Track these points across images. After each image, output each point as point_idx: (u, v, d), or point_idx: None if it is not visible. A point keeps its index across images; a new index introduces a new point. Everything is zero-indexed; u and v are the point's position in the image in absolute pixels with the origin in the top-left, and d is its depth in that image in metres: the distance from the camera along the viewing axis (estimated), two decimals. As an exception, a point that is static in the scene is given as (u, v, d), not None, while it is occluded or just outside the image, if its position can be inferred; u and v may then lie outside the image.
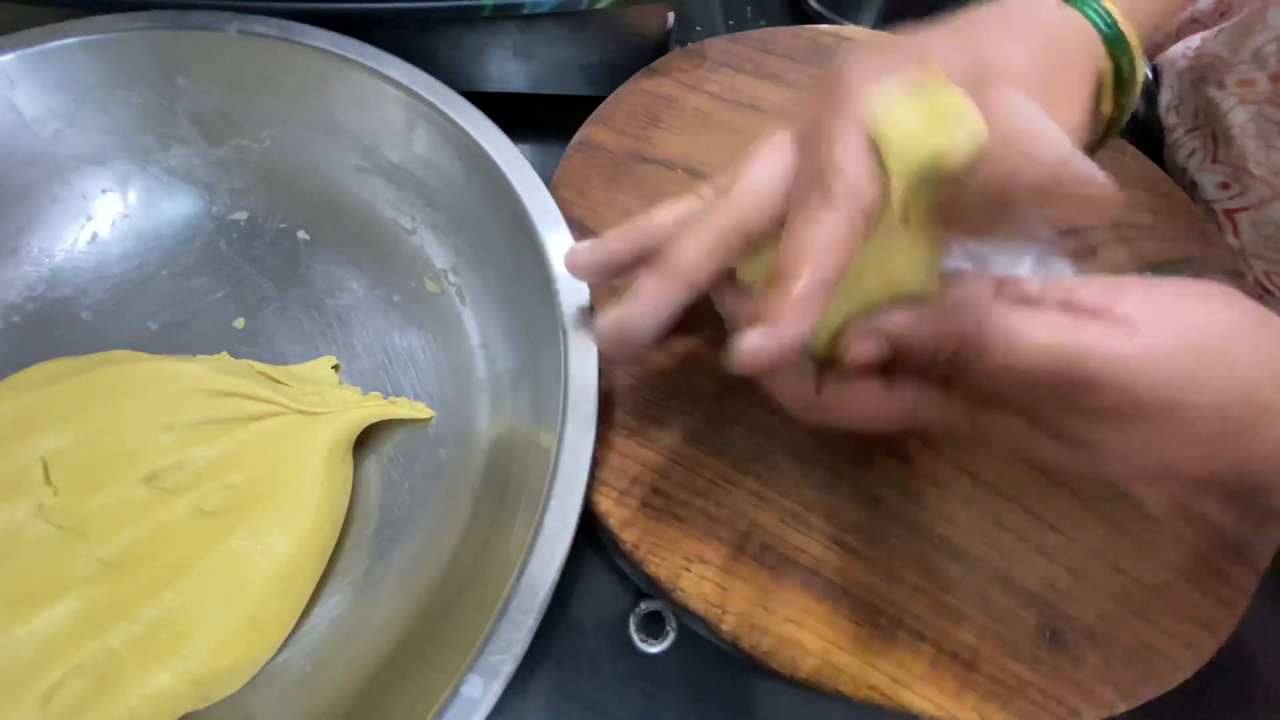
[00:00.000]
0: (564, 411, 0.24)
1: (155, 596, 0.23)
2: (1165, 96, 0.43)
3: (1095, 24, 0.25)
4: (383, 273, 0.32)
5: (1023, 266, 0.30)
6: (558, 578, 0.22)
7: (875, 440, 0.29)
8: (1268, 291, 0.37)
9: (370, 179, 0.33)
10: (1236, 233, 0.38)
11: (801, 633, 0.25)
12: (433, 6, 0.32)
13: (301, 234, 0.33)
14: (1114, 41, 0.25)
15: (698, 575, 0.25)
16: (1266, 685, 0.29)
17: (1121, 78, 0.26)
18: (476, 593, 0.23)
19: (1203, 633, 0.26)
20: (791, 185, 0.22)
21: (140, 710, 0.22)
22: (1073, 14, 0.25)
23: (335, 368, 0.30)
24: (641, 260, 0.25)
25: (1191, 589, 0.26)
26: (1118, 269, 0.34)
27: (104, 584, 0.23)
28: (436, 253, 0.32)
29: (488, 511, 0.27)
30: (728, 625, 0.25)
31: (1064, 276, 0.23)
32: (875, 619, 0.25)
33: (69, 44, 0.30)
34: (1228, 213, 0.38)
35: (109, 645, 0.23)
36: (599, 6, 0.32)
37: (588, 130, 0.35)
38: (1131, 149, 0.38)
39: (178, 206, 0.33)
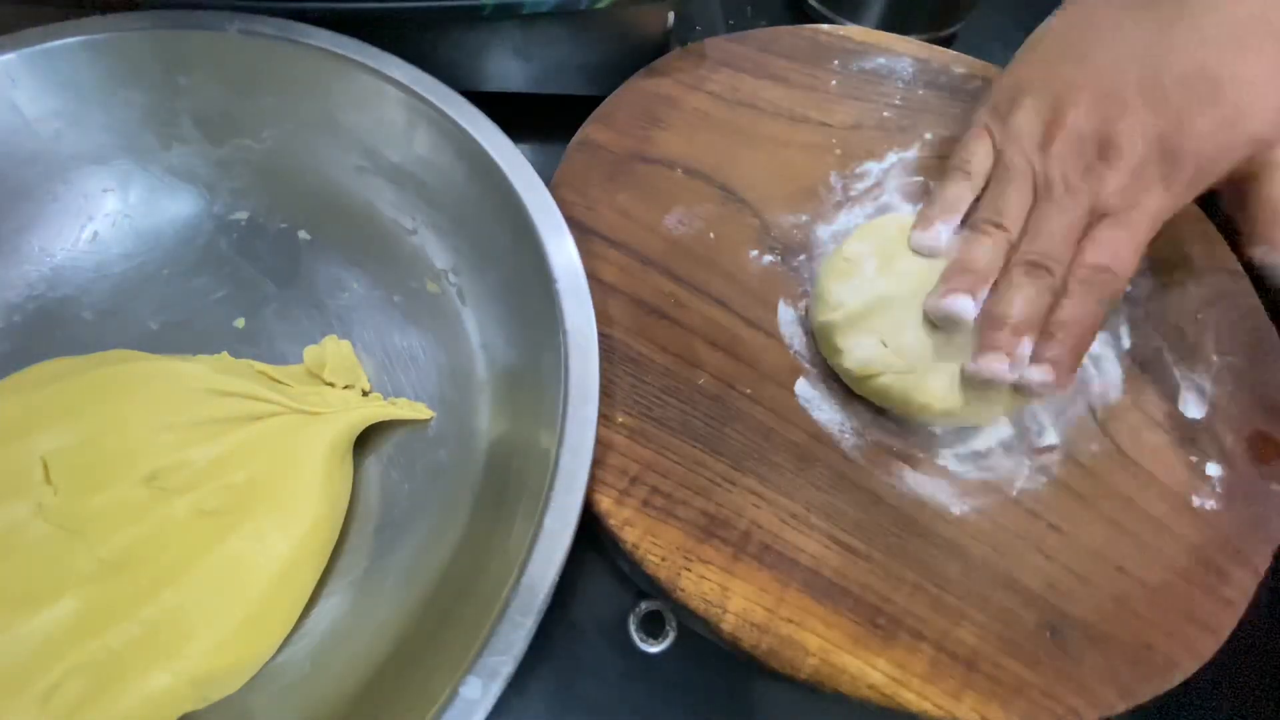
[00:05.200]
0: (564, 411, 0.24)
1: (155, 596, 0.23)
2: None
3: None
4: (383, 273, 0.32)
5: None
6: (557, 578, 0.22)
7: (876, 440, 0.29)
8: None
9: (371, 179, 0.33)
10: None
11: (801, 632, 0.25)
12: (433, 6, 0.32)
13: (302, 234, 0.33)
14: None
15: (698, 575, 0.25)
16: (1266, 685, 0.29)
17: None
18: (476, 593, 0.23)
19: (1203, 632, 0.26)
20: None
21: (140, 710, 0.22)
22: None
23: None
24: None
25: (1191, 589, 0.26)
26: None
27: (104, 584, 0.23)
28: (437, 253, 0.32)
29: (488, 511, 0.27)
30: (728, 625, 0.25)
31: None
32: (875, 619, 0.25)
33: (70, 43, 0.30)
34: None
35: (108, 645, 0.22)
36: (599, 6, 0.32)
37: (588, 130, 0.35)
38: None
39: (178, 206, 0.33)
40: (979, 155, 0.29)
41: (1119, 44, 0.27)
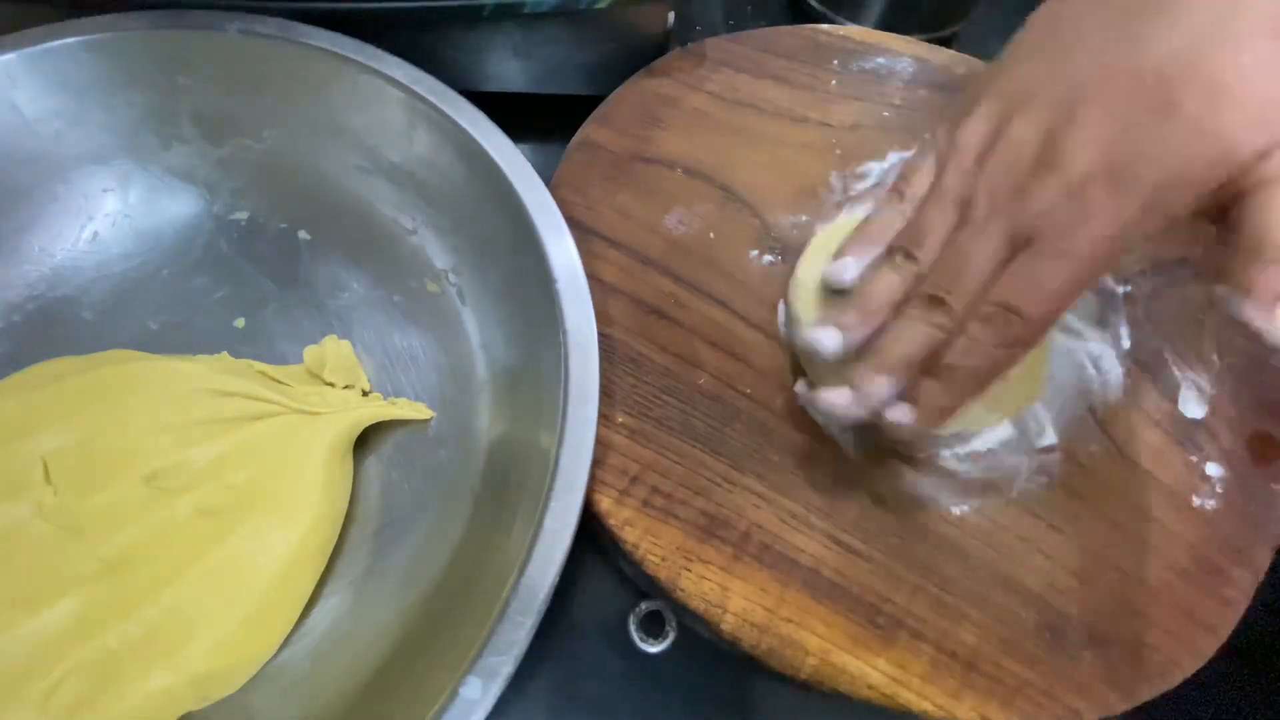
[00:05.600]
0: (564, 411, 0.24)
1: (155, 596, 0.23)
2: None
3: None
4: (383, 273, 0.32)
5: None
6: (557, 578, 0.22)
7: (876, 440, 0.29)
8: None
9: (371, 179, 0.33)
10: None
11: (801, 632, 0.25)
12: (433, 6, 0.32)
13: (302, 234, 0.33)
14: None
15: (698, 575, 0.25)
16: (1267, 685, 0.29)
17: None
18: (476, 593, 0.23)
19: (1203, 632, 0.26)
20: None
21: (140, 710, 0.22)
22: None
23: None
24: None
25: (1191, 589, 0.26)
26: (1116, 268, 0.34)
27: (104, 584, 0.23)
28: (437, 253, 0.32)
29: (488, 511, 0.27)
30: (728, 625, 0.25)
31: None
32: (875, 618, 0.25)
33: (70, 43, 0.30)
34: None
35: (108, 645, 0.23)
36: (599, 6, 0.32)
37: (588, 130, 0.35)
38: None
39: (179, 206, 0.33)
40: (920, 175, 0.26)
41: (1079, 49, 0.22)
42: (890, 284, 0.25)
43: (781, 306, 0.32)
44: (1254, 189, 0.20)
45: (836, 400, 0.24)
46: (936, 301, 0.23)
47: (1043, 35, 0.24)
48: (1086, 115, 0.21)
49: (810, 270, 0.30)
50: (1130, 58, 0.21)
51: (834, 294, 0.28)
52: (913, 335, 0.24)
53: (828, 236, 0.31)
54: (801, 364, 0.30)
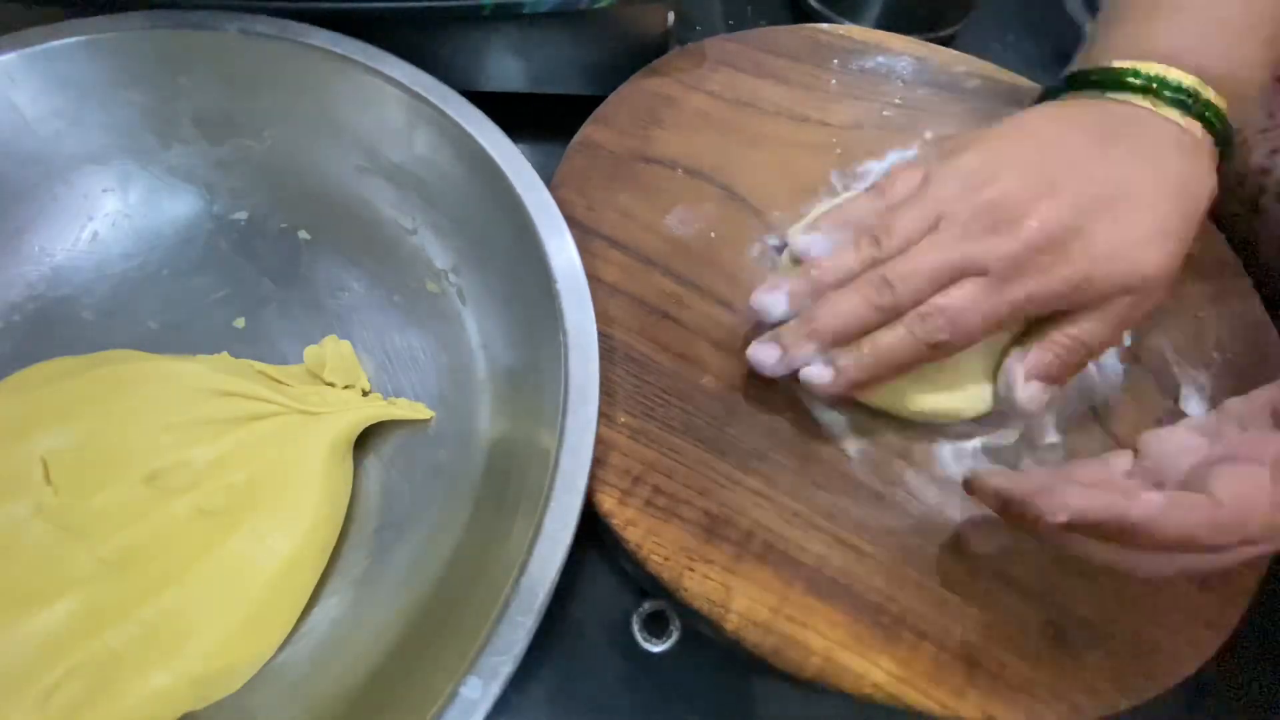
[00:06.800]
0: (564, 411, 0.24)
1: (155, 596, 0.23)
2: None
3: (1212, 128, 0.28)
4: (383, 273, 0.32)
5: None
6: (557, 579, 0.22)
7: (877, 439, 0.29)
8: None
9: (371, 179, 0.33)
10: None
11: (805, 632, 0.25)
12: (433, 6, 0.32)
13: (302, 234, 0.33)
14: (1226, 142, 0.29)
15: (701, 575, 0.25)
16: (1267, 684, 0.29)
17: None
18: (476, 593, 0.23)
19: (1205, 630, 0.26)
20: None
21: (139, 710, 0.22)
22: (1193, 129, 0.27)
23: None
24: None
25: (1194, 587, 0.26)
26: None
27: (103, 584, 0.23)
28: (437, 253, 0.32)
29: (488, 512, 0.27)
30: (731, 625, 0.25)
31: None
32: (878, 617, 0.25)
33: (70, 43, 0.30)
34: None
35: (108, 645, 0.22)
36: (599, 6, 0.32)
37: (588, 130, 0.35)
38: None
39: (178, 206, 0.33)
40: (903, 183, 0.29)
41: (1069, 147, 0.27)
42: (846, 262, 0.27)
43: None
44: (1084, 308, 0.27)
45: (764, 357, 0.27)
46: (887, 286, 0.26)
47: (1037, 127, 0.29)
48: (1059, 197, 0.26)
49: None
50: (1106, 173, 0.27)
51: (798, 265, 0.30)
52: (851, 308, 0.26)
53: (815, 217, 0.32)
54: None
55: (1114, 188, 0.26)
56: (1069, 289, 0.26)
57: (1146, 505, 0.20)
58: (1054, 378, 0.27)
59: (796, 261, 0.30)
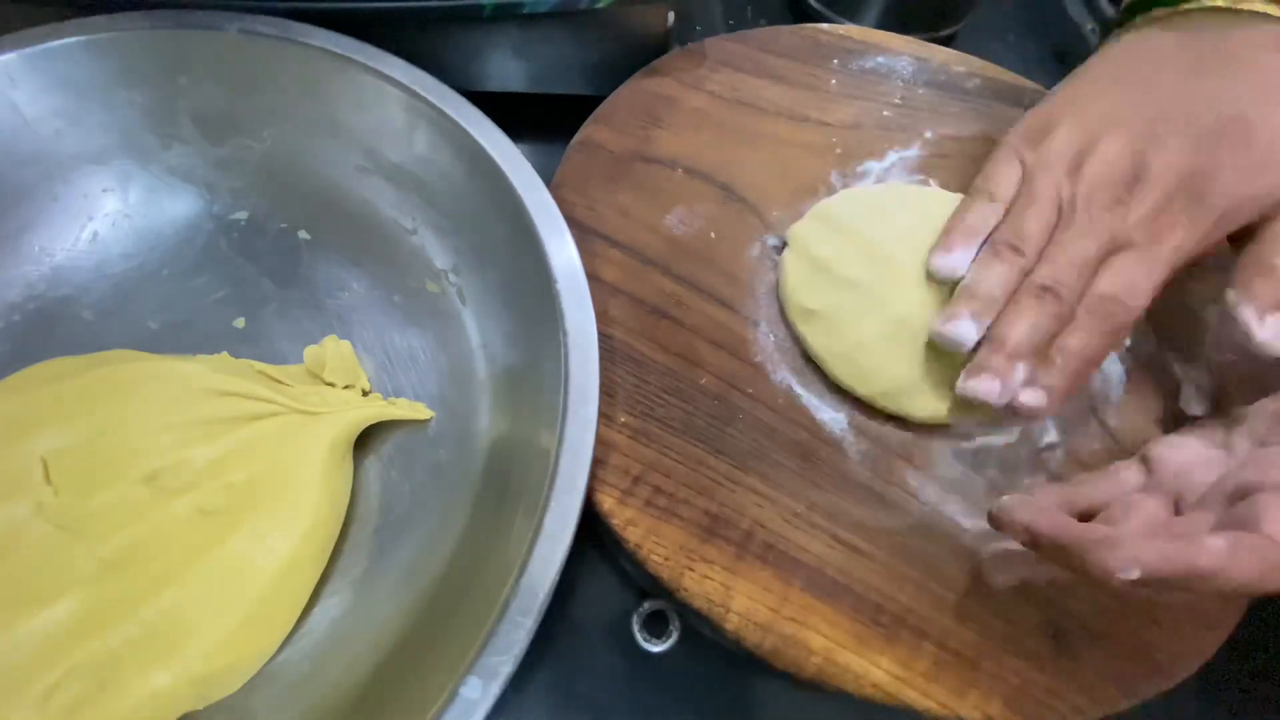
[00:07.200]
0: (564, 411, 0.24)
1: (155, 596, 0.23)
2: None
3: None
4: (383, 273, 0.32)
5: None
6: (557, 579, 0.22)
7: (877, 438, 0.29)
8: None
9: (371, 179, 0.33)
10: None
11: (805, 632, 0.25)
12: (433, 6, 0.32)
13: (302, 234, 0.33)
14: None
15: (701, 575, 0.25)
16: (1267, 684, 0.29)
17: None
18: (476, 593, 0.23)
19: (1205, 630, 0.26)
20: None
21: (139, 710, 0.22)
22: None
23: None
24: None
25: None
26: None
27: (104, 584, 0.23)
28: (437, 253, 0.32)
29: (488, 511, 0.27)
30: (731, 625, 0.25)
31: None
32: (878, 617, 0.25)
33: (70, 43, 0.30)
34: None
35: (108, 645, 0.22)
36: (599, 6, 0.32)
37: (588, 130, 0.35)
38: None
39: (178, 206, 0.33)
40: (1006, 179, 0.29)
41: (1159, 85, 0.27)
42: (1002, 275, 0.27)
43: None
44: (1267, 228, 0.26)
45: (989, 391, 0.26)
46: (1048, 292, 0.26)
47: (1118, 69, 0.28)
48: (1171, 143, 0.25)
49: (803, 237, 0.32)
50: (1210, 108, 0.26)
51: (820, 272, 0.31)
52: (1035, 322, 0.26)
53: (818, 213, 0.33)
54: (780, 296, 0.31)
55: (1221, 111, 0.25)
56: (1216, 227, 0.25)
57: (1214, 554, 0.19)
58: None
59: (808, 261, 0.30)
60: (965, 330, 0.26)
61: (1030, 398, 0.26)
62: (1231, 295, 0.26)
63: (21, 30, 0.29)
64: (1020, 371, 0.26)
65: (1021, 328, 0.26)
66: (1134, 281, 0.26)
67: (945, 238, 0.29)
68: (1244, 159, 0.25)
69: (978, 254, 0.28)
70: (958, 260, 0.28)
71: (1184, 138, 0.25)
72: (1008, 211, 0.29)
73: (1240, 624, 0.26)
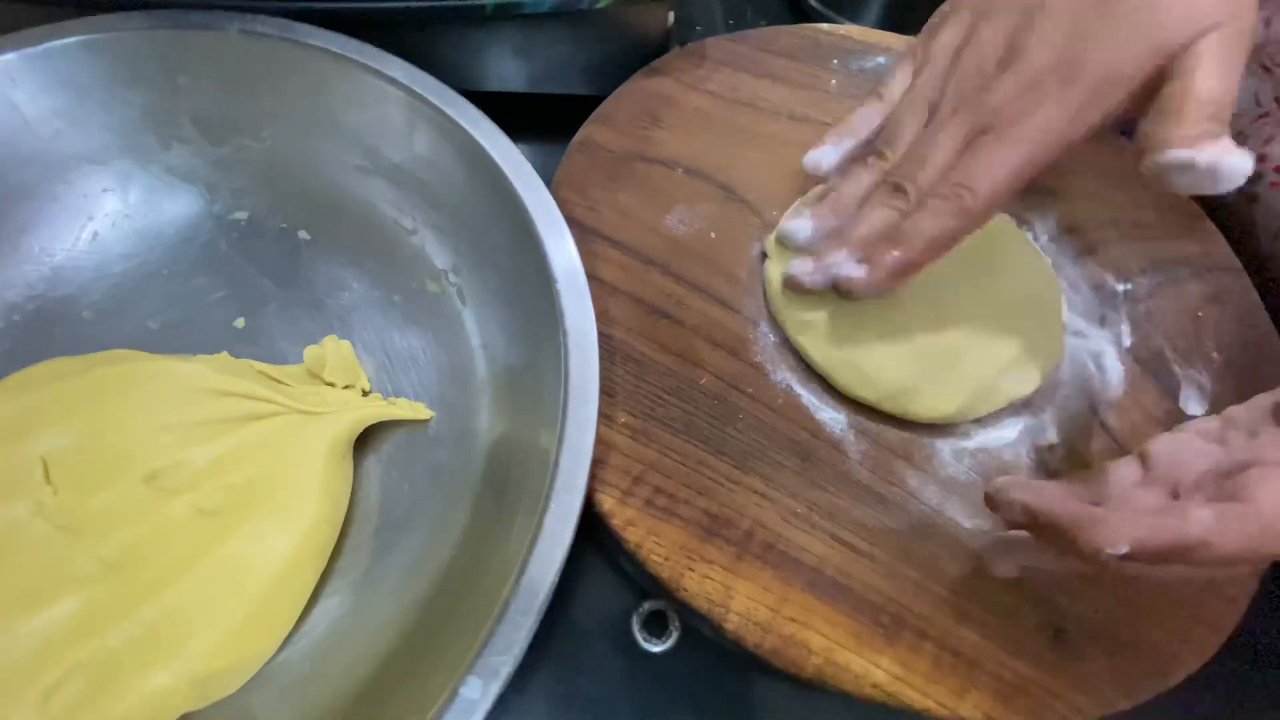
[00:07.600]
0: (564, 411, 0.24)
1: (155, 596, 0.23)
2: None
3: None
4: (383, 273, 0.32)
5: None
6: (557, 579, 0.22)
7: (877, 438, 0.29)
8: None
9: (371, 179, 0.33)
10: None
11: (805, 632, 0.25)
12: (433, 6, 0.32)
13: (302, 234, 0.33)
14: None
15: (701, 575, 0.25)
16: (1267, 684, 0.29)
17: None
18: (476, 593, 0.23)
19: (1205, 630, 0.26)
20: None
21: (139, 710, 0.22)
22: None
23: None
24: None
25: (1194, 586, 0.26)
26: (1118, 267, 0.34)
27: (103, 584, 0.23)
28: (437, 253, 0.32)
29: (488, 512, 0.27)
30: (731, 625, 0.25)
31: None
32: (878, 618, 0.25)
33: (70, 43, 0.30)
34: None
35: (108, 645, 0.22)
36: (599, 6, 0.32)
37: (588, 130, 0.35)
38: (1134, 145, 0.38)
39: (178, 206, 0.33)
40: (897, 79, 0.29)
41: None
42: (861, 181, 0.28)
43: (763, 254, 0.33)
44: (1176, 72, 0.24)
45: (799, 269, 0.28)
46: (898, 191, 0.27)
47: None
48: (1043, 19, 0.25)
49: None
50: None
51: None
52: (874, 217, 0.27)
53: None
54: (771, 309, 0.31)
55: None
56: (1091, 104, 0.24)
57: (1201, 523, 0.19)
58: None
59: (784, 244, 0.31)
60: (800, 229, 0.28)
61: (847, 268, 0.27)
62: (1149, 162, 0.24)
63: (21, 30, 0.29)
64: (843, 256, 0.27)
65: (861, 225, 0.27)
66: (990, 164, 0.25)
67: (825, 134, 0.30)
68: (1112, 26, 0.24)
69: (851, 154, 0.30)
70: (823, 153, 0.29)
71: (1054, 13, 0.25)
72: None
73: (1240, 624, 0.26)
